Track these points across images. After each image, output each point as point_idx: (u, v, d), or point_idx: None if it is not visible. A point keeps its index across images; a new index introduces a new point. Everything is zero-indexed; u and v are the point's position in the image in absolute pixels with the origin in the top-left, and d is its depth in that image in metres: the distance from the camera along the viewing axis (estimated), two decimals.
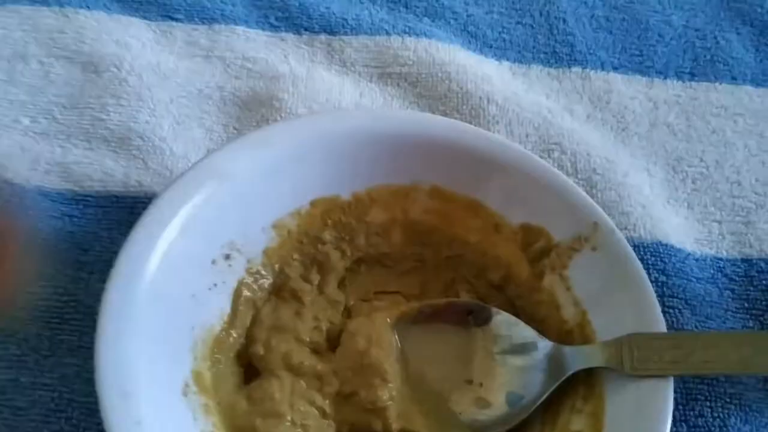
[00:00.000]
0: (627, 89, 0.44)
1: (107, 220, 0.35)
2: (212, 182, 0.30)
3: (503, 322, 0.31)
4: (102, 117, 0.38)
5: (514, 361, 0.30)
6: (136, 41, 0.41)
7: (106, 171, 0.36)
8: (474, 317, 0.32)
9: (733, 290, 0.37)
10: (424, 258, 0.35)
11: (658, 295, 0.35)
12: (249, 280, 0.32)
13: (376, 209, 0.34)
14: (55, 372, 0.30)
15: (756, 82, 0.46)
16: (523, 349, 0.30)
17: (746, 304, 0.37)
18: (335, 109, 0.39)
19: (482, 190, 0.33)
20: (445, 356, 0.31)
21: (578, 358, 0.29)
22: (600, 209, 0.32)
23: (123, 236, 0.33)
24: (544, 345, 0.30)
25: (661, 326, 0.30)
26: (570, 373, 0.29)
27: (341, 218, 0.34)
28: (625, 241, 0.32)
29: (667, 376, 0.28)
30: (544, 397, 0.29)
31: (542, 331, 0.31)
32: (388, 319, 0.31)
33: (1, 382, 0.30)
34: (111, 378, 0.25)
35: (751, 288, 0.37)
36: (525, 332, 0.31)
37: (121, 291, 0.27)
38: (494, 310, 0.32)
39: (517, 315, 0.32)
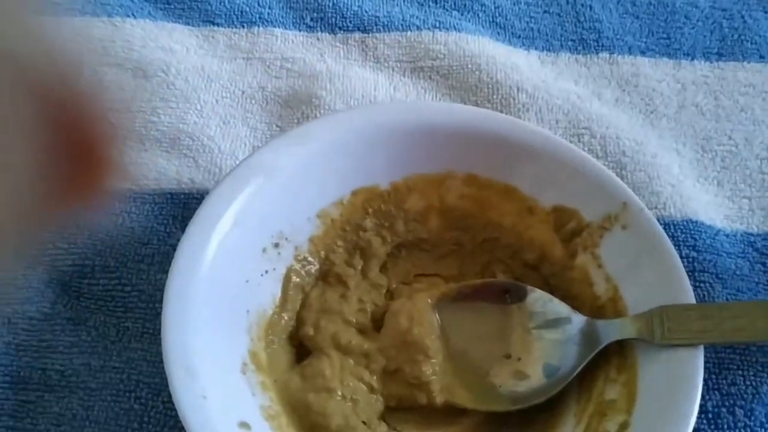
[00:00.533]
0: (654, 72, 0.45)
1: (162, 216, 0.37)
2: (259, 177, 0.32)
3: (538, 299, 0.33)
4: (153, 119, 0.40)
5: (549, 335, 0.32)
6: (180, 46, 0.44)
7: (159, 170, 0.39)
8: (510, 296, 0.33)
9: (764, 263, 0.38)
10: (461, 242, 0.36)
11: (689, 271, 0.36)
12: (297, 266, 0.34)
13: (414, 197, 0.36)
14: (123, 356, 0.33)
15: None
16: (557, 323, 0.32)
17: None
18: (371, 104, 0.41)
19: (515, 175, 0.35)
20: (483, 333, 0.33)
21: (611, 331, 0.31)
22: (628, 189, 0.34)
23: (178, 230, 0.36)
24: (578, 319, 0.32)
25: (690, 298, 0.31)
26: (603, 345, 0.31)
27: (381, 206, 0.35)
28: (654, 218, 0.33)
29: (697, 345, 0.29)
30: (580, 368, 0.31)
31: (576, 307, 0.33)
32: (429, 300, 0.33)
33: (75, 366, 0.32)
34: (177, 358, 0.27)
35: None
36: (559, 308, 0.32)
37: (182, 279, 0.29)
38: (529, 288, 0.33)
39: (551, 293, 0.34)
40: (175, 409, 0.31)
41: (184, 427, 0.31)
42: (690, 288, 0.31)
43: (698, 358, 0.29)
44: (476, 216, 0.36)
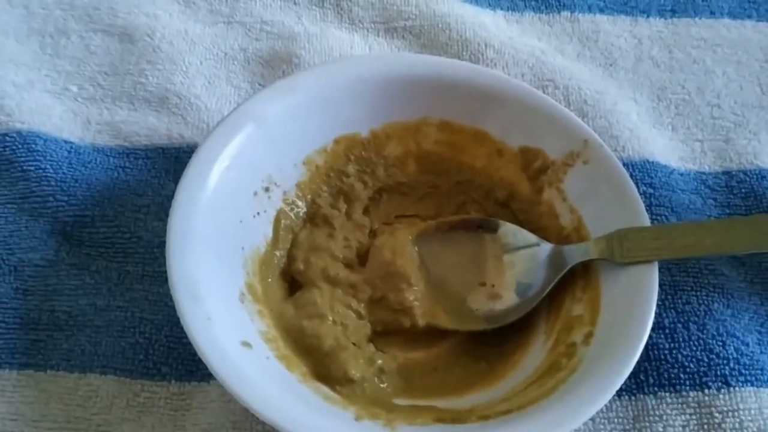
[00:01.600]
0: (613, 29, 0.48)
1: (155, 169, 0.39)
2: (249, 125, 0.35)
3: (509, 230, 0.36)
4: (141, 81, 0.43)
5: (520, 262, 0.35)
6: (163, 12, 0.46)
7: (150, 127, 0.41)
8: (483, 229, 0.36)
9: (715, 199, 0.41)
10: (437, 184, 0.39)
11: (647, 206, 0.39)
12: (286, 209, 0.36)
13: (392, 144, 0.38)
14: (126, 296, 0.35)
15: (733, 15, 0.50)
16: (527, 251, 0.35)
17: (728, 210, 0.41)
18: (352, 56, 0.44)
19: (484, 120, 0.38)
20: (460, 263, 0.36)
21: (575, 254, 0.34)
22: (588, 128, 0.37)
23: (171, 182, 0.38)
24: (546, 246, 0.35)
25: (645, 221, 0.34)
26: (569, 266, 0.34)
27: (362, 153, 0.38)
28: (612, 153, 0.36)
29: (653, 261, 0.32)
30: (549, 288, 0.34)
31: (544, 238, 0.36)
32: (409, 236, 0.36)
33: (81, 307, 0.35)
34: (183, 286, 0.29)
35: (732, 196, 0.41)
36: (528, 237, 0.35)
37: (183, 216, 0.31)
38: (500, 222, 0.36)
39: (521, 227, 0.37)
40: (176, 342, 0.34)
41: (185, 357, 0.34)
42: (645, 213, 0.34)
43: (654, 272, 0.32)
44: (450, 160, 0.38)
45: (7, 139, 0.38)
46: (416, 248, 0.36)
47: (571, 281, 0.34)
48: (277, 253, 0.35)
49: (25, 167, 0.38)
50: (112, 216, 0.37)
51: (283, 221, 0.36)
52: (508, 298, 0.34)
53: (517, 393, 0.31)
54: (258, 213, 0.35)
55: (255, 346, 0.30)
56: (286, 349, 0.32)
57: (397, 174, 0.39)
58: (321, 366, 0.32)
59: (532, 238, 0.35)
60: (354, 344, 0.33)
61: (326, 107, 0.37)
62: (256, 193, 0.35)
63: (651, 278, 0.32)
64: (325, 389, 0.31)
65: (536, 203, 0.37)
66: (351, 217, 0.38)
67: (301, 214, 0.37)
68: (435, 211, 0.39)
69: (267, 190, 0.35)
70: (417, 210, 0.39)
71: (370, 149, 0.38)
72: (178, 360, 0.34)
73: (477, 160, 0.38)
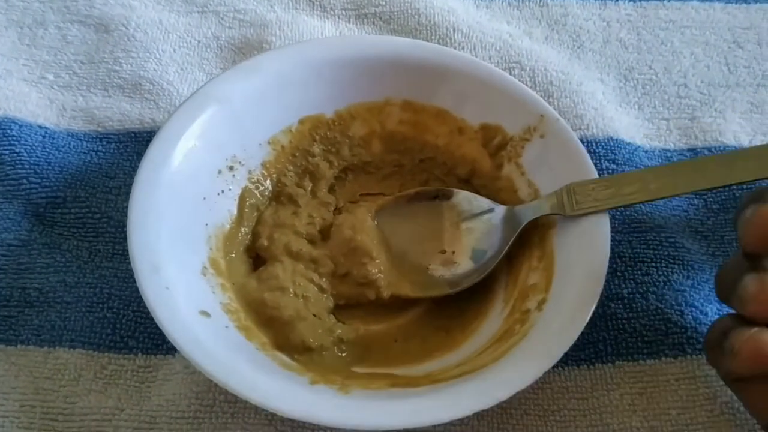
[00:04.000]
0: (582, 12, 0.49)
1: (127, 153, 0.40)
2: (213, 105, 0.36)
3: (464, 197, 0.37)
4: (116, 68, 0.44)
5: (476, 226, 0.36)
6: (138, 3, 0.47)
7: (123, 113, 0.42)
8: (440, 198, 0.37)
9: None
10: (401, 163, 0.40)
11: None
12: (251, 187, 0.37)
13: (357, 124, 0.39)
14: (96, 273, 0.36)
15: None
16: (482, 215, 0.36)
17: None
18: (315, 39, 0.45)
19: (445, 98, 0.39)
20: (420, 233, 0.37)
21: (528, 212, 0.35)
22: (544, 102, 0.37)
23: None
24: (500, 209, 0.36)
25: (594, 175, 0.35)
26: (523, 225, 0.35)
27: (327, 133, 0.39)
28: (568, 126, 0.37)
29: (603, 211, 0.33)
30: (506, 249, 0.35)
31: None
32: (369, 212, 0.37)
33: (51, 284, 0.36)
34: (142, 255, 0.30)
35: None
36: (482, 202, 0.36)
37: (145, 189, 0.32)
38: (455, 190, 0.37)
39: None
40: (143, 317, 0.35)
41: (151, 331, 0.35)
42: (594, 169, 0.35)
43: (605, 220, 0.33)
44: (414, 139, 0.39)
45: None
46: (376, 223, 0.37)
47: (528, 251, 0.35)
48: (242, 230, 0.36)
49: (0, 152, 0.39)
50: (84, 197, 0.38)
51: (248, 200, 0.37)
52: (465, 263, 0.35)
53: (472, 359, 0.32)
54: (222, 191, 0.36)
55: (214, 316, 0.31)
56: (246, 321, 0.33)
57: (361, 153, 0.40)
58: (280, 335, 0.33)
59: (485, 202, 0.36)
60: (314, 315, 0.34)
61: (290, 88, 0.38)
62: (220, 172, 0.36)
63: (604, 231, 0.32)
64: (284, 357, 0.32)
65: (496, 178, 0.38)
66: (316, 195, 0.38)
67: (266, 193, 0.38)
68: (399, 189, 0.40)
69: (231, 168, 0.36)
70: (382, 188, 0.40)
71: (335, 129, 0.39)
72: (144, 334, 0.35)
73: (439, 138, 0.39)
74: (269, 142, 0.38)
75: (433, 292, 0.35)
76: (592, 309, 0.31)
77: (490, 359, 0.31)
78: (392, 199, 0.38)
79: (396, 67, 0.38)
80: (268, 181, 0.38)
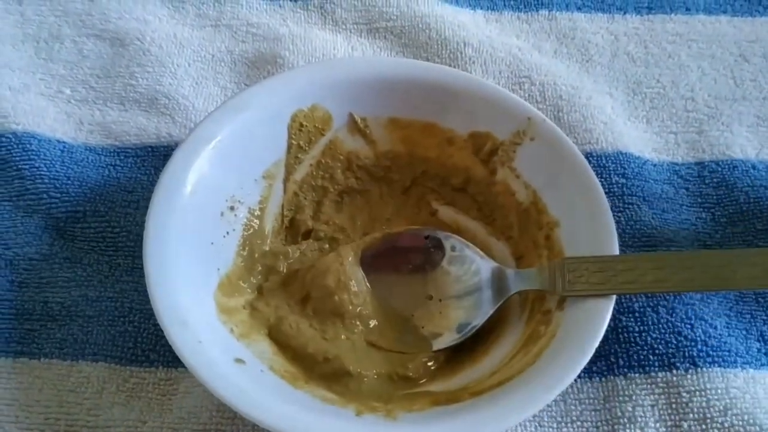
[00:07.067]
0: (590, 26, 0.50)
1: (145, 167, 0.41)
2: (206, 147, 0.35)
3: (454, 244, 0.37)
4: (132, 83, 0.44)
5: (464, 289, 0.36)
6: (153, 17, 0.47)
7: (140, 127, 0.42)
8: (429, 240, 0.37)
9: (687, 188, 0.43)
10: (394, 180, 0.40)
11: (618, 195, 0.41)
12: (254, 224, 0.37)
13: (347, 146, 0.40)
14: (116, 287, 0.37)
15: (708, 11, 0.51)
16: (471, 273, 0.36)
17: (699, 199, 0.42)
18: (299, 66, 0.45)
19: (432, 112, 0.39)
20: (406, 280, 0.37)
21: (518, 281, 0.35)
22: (529, 105, 0.38)
23: None
24: (488, 265, 0.36)
25: (591, 175, 0.35)
26: (511, 294, 0.35)
27: (321, 160, 0.39)
28: (556, 127, 0.37)
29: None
30: (489, 314, 0.35)
31: (503, 216, 0.38)
32: (353, 253, 0.36)
33: (73, 298, 0.36)
34: (169, 314, 0.30)
35: (704, 185, 0.43)
36: (472, 254, 0.37)
37: (157, 247, 0.32)
38: (445, 235, 0.37)
39: (480, 209, 0.39)
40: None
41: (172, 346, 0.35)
42: (592, 172, 0.35)
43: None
44: (404, 155, 0.40)
45: (3, 140, 0.40)
46: (360, 269, 0.36)
47: (536, 251, 0.36)
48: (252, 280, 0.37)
49: (20, 166, 0.39)
50: (104, 211, 0.39)
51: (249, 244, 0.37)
52: (450, 336, 0.35)
53: (504, 365, 0.32)
54: (227, 233, 0.36)
55: (248, 362, 0.31)
56: (276, 356, 0.33)
57: (355, 176, 0.40)
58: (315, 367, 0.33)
59: (475, 255, 0.37)
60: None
61: (277, 120, 0.38)
62: (222, 214, 0.36)
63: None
64: (322, 391, 0.32)
65: (491, 184, 0.39)
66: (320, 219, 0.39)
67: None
68: (395, 208, 0.40)
69: (232, 209, 0.36)
70: (381, 207, 0.40)
71: (326, 155, 0.39)
72: (165, 347, 0.35)
73: (429, 151, 0.40)
74: (264, 177, 0.38)
75: (411, 349, 0.35)
76: (614, 297, 0.32)
77: (523, 364, 0.31)
78: (379, 237, 0.38)
79: (379, 87, 0.39)
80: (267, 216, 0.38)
